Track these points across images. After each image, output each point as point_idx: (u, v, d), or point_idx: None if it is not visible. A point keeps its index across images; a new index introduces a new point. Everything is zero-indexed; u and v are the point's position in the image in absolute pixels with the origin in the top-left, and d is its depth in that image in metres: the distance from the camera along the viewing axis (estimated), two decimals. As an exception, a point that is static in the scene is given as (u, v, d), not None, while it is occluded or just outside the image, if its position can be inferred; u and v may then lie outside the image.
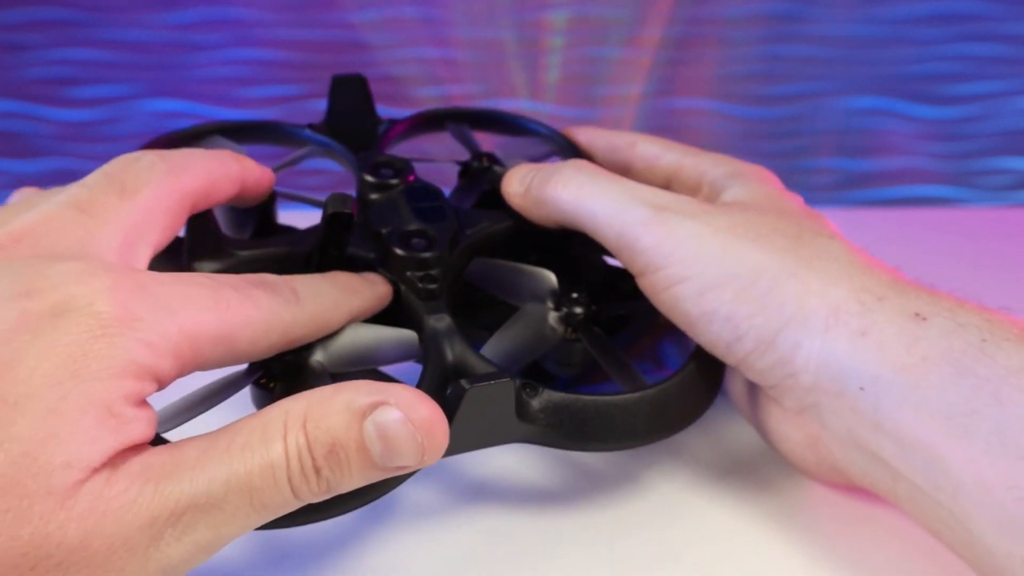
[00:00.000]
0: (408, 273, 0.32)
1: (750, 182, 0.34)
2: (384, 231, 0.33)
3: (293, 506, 0.24)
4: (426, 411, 0.24)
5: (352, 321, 0.30)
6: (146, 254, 0.28)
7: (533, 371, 0.33)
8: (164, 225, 0.28)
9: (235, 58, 0.59)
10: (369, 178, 0.35)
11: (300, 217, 0.36)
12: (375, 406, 0.23)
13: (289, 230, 0.36)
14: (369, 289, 0.31)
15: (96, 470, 0.21)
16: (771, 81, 0.60)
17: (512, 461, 0.34)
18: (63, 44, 0.58)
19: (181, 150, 0.30)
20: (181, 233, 0.31)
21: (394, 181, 0.35)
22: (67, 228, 0.25)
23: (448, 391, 0.29)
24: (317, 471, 0.23)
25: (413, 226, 0.33)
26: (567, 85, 0.60)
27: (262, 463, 0.23)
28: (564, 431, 0.29)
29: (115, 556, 0.21)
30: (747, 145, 0.61)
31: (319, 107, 0.41)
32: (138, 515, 0.21)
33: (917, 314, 0.28)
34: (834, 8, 0.58)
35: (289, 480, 0.23)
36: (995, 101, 0.60)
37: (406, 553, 0.30)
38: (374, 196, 0.35)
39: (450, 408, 0.28)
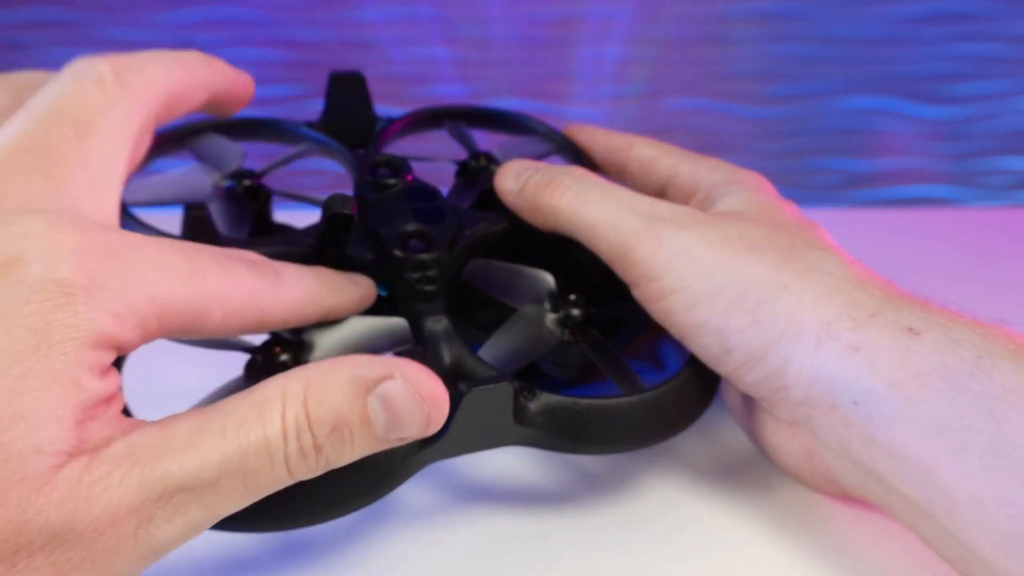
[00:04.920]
0: (406, 274, 0.32)
1: (745, 191, 0.34)
2: (382, 232, 0.33)
3: (287, 483, 0.23)
4: (431, 382, 0.24)
5: (327, 318, 0.30)
6: (115, 192, 0.26)
7: (529, 370, 0.33)
8: (128, 155, 0.27)
9: (235, 58, 0.59)
10: (367, 178, 0.35)
11: (299, 216, 0.36)
12: (380, 379, 0.23)
13: (287, 229, 0.36)
14: (352, 289, 0.31)
15: (71, 455, 0.21)
16: (771, 81, 0.60)
17: (510, 463, 0.34)
18: (63, 44, 0.58)
19: (138, 55, 0.28)
20: (178, 230, 0.31)
21: (392, 181, 0.35)
22: (27, 175, 0.24)
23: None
24: (318, 449, 0.23)
25: (411, 227, 0.33)
26: (566, 85, 0.60)
27: (258, 443, 0.22)
28: (562, 434, 0.29)
29: (103, 537, 0.21)
30: (747, 145, 0.61)
31: (319, 107, 0.41)
32: (124, 498, 0.21)
33: (910, 329, 0.28)
34: (834, 8, 0.58)
35: (286, 460, 0.22)
36: (995, 101, 0.60)
37: (406, 553, 0.30)
38: (372, 196, 0.35)
39: (448, 411, 0.28)
